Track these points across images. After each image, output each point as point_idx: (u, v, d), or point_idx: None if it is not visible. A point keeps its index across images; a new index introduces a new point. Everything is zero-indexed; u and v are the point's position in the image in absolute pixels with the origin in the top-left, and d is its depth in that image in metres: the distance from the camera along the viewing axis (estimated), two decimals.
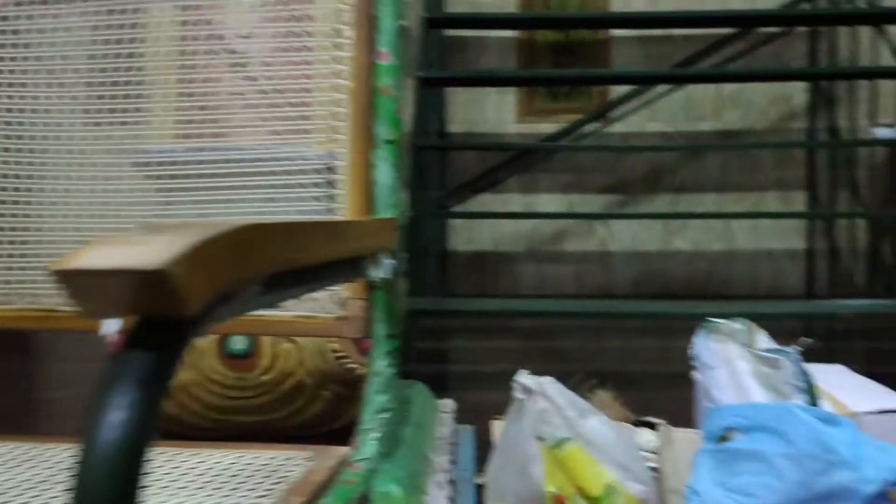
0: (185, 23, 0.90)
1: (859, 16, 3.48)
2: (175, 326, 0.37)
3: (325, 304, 0.82)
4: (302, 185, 0.94)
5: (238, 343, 1.41)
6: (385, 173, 0.83)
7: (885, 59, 3.51)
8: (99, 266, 0.34)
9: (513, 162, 4.05)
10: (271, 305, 0.75)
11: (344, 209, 0.85)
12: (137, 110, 1.23)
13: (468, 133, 4.12)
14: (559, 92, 4.08)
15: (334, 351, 1.43)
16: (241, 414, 1.43)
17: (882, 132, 2.99)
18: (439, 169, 3.96)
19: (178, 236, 0.37)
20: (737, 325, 1.16)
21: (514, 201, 4.14)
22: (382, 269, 0.71)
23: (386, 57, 0.83)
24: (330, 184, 0.90)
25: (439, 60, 3.94)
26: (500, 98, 4.11)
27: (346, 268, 0.63)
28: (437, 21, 3.58)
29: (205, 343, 1.41)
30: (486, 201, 4.12)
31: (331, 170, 0.85)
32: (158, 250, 0.35)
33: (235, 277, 0.41)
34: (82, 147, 1.22)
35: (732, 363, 1.15)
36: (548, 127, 4.11)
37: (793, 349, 1.11)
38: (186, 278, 0.35)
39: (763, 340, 1.17)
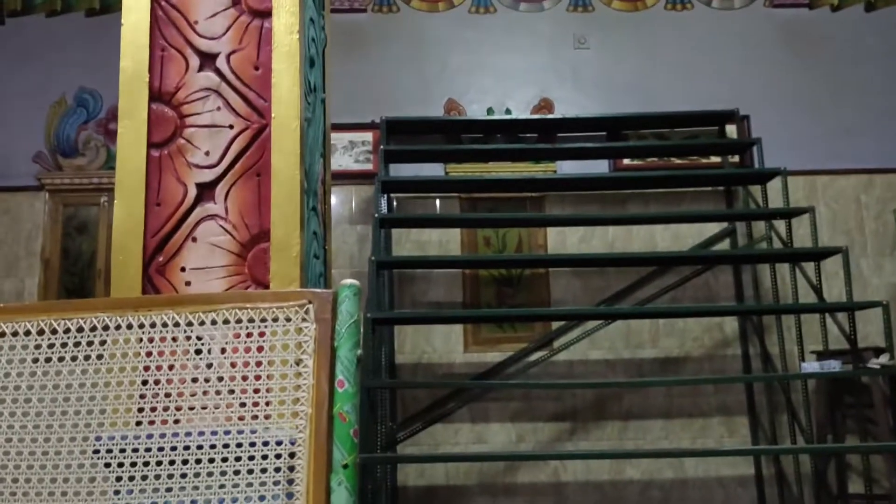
0: (151, 351, 0.96)
1: (775, 255, 3.78)
2: None
3: None
4: (261, 477, 0.97)
5: None
6: (341, 498, 0.87)
7: (805, 288, 3.77)
8: None
9: (462, 392, 4.11)
10: None
11: None
12: (95, 396, 1.25)
13: (417, 364, 4.20)
14: (505, 323, 4.25)
15: None
16: None
17: (810, 367, 3.16)
18: (390, 400, 3.98)
19: None
20: None
21: (464, 431, 4.14)
22: None
23: (343, 384, 0.90)
24: (290, 482, 0.92)
25: (390, 292, 4.11)
26: (447, 329, 4.24)
27: None
28: (385, 263, 3.76)
29: None
30: (436, 431, 4.11)
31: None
32: None
33: None
34: (39, 434, 1.22)
35: None
36: (494, 356, 4.22)
37: None
38: None
39: None
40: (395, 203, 4.27)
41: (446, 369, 4.20)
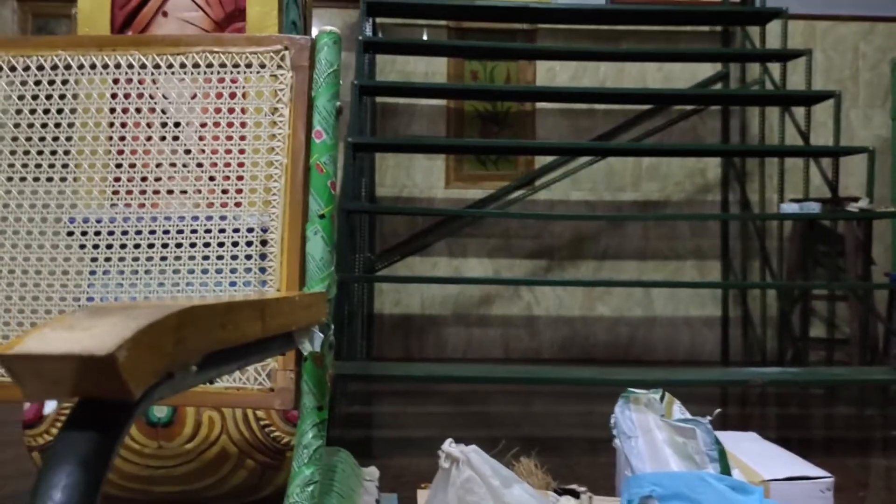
0: (116, 93, 0.91)
1: (767, 97, 3.71)
2: (118, 408, 0.38)
3: (255, 375, 0.83)
4: (234, 256, 0.95)
5: (159, 411, 1.38)
6: (317, 247, 0.85)
7: (792, 136, 3.74)
8: (45, 351, 0.35)
9: (441, 226, 4.12)
10: (207, 382, 0.75)
11: (276, 280, 0.86)
12: (67, 176, 1.22)
13: (397, 197, 4.18)
14: (487, 160, 4.20)
15: (259, 419, 1.41)
16: (161, 484, 1.38)
17: (789, 207, 3.17)
18: (368, 232, 3.99)
19: (123, 320, 0.38)
20: (654, 396, 1.21)
21: (441, 265, 4.19)
22: (313, 343, 0.73)
23: (321, 135, 0.87)
24: (263, 255, 0.91)
25: (371, 126, 4.02)
26: (429, 164, 4.20)
27: (277, 342, 0.64)
28: (368, 88, 3.65)
29: None
30: (414, 264, 4.16)
31: (264, 242, 0.87)
32: (104, 335, 0.36)
33: (175, 359, 0.42)
34: (8, 211, 1.19)
35: (650, 433, 1.19)
36: (476, 193, 4.21)
37: (706, 419, 1.16)
38: (131, 363, 0.36)
39: (678, 410, 1.22)
40: (380, 33, 4.10)
41: (426, 204, 4.20)
